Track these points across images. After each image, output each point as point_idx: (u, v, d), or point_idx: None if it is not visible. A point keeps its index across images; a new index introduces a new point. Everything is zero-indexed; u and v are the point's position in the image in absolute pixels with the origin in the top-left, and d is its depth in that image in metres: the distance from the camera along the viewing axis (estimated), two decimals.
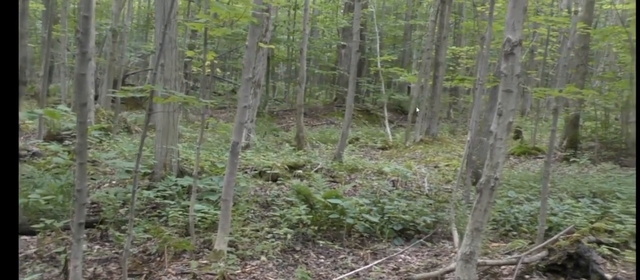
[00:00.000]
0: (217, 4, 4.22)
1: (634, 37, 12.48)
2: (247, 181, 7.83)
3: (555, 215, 6.86)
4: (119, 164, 6.94)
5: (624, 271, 5.47)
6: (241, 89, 5.15)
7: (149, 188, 6.88)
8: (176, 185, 6.87)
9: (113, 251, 5.58)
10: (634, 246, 6.09)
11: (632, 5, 15.92)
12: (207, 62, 6.83)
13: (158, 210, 6.51)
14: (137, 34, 23.90)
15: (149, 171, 7.27)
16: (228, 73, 24.53)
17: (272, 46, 11.52)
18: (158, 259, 5.34)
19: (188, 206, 5.96)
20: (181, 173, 7.37)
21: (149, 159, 7.59)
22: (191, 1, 12.98)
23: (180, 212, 6.15)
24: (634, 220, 6.71)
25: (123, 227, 5.80)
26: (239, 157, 8.85)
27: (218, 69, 21.74)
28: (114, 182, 7.82)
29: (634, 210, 7.11)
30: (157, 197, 6.62)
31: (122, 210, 6.47)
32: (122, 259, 4.47)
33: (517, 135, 15.66)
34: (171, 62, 7.14)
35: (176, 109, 7.30)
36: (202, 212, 6.19)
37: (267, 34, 11.16)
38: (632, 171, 10.78)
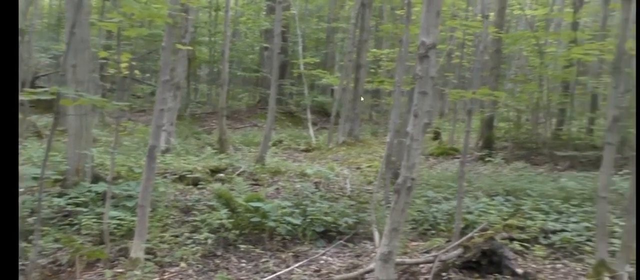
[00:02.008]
0: (130, 3, 4.07)
1: (541, 41, 13.16)
2: (166, 186, 7.62)
3: (471, 213, 7.10)
4: (26, 171, 6.56)
5: (533, 266, 5.73)
6: (158, 91, 5.00)
7: (60, 195, 6.54)
8: (90, 191, 6.58)
9: (20, 263, 5.27)
10: (543, 241, 6.40)
11: (540, 12, 16.82)
12: (124, 64, 6.60)
13: (70, 219, 6.20)
14: (49, 34, 22.77)
15: (61, 177, 6.92)
16: (148, 75, 23.84)
17: (191, 48, 11.27)
18: (69, 269, 5.09)
19: (103, 213, 5.72)
20: (96, 179, 7.06)
21: (61, 165, 7.22)
22: (106, 0, 12.51)
23: (94, 220, 5.90)
24: (544, 216, 7.05)
25: (30, 237, 5.49)
26: (157, 161, 8.62)
27: (136, 71, 21.09)
28: (21, 190, 7.39)
29: (543, 206, 7.47)
30: (69, 204, 6.30)
31: (30, 220, 6.11)
32: (27, 271, 4.23)
33: (436, 136, 16.11)
34: (84, 63, 6.82)
35: (88, 112, 6.99)
36: (118, 219, 5.97)
37: (186, 35, 10.92)
38: (542, 169, 11.35)
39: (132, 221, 5.78)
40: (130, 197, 6.58)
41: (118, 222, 5.93)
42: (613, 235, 6.14)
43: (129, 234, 5.76)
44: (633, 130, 5.58)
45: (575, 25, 13.63)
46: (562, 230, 6.57)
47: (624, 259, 5.16)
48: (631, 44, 5.81)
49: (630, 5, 5.36)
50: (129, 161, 8.65)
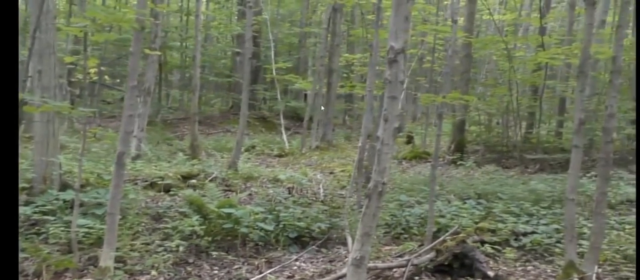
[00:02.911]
0: (95, 7, 4.01)
1: (510, 46, 13.35)
2: (136, 193, 7.49)
3: (443, 216, 7.15)
4: None
5: (505, 268, 5.79)
6: (126, 97, 4.93)
7: (26, 204, 6.38)
8: (58, 199, 6.44)
9: None
10: (514, 244, 6.47)
11: (509, 17, 17.08)
12: (93, 69, 6.49)
13: (37, 228, 6.05)
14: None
15: (27, 185, 6.76)
16: (118, 80, 23.51)
17: (159, 53, 11.14)
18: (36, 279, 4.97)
19: (71, 221, 5.60)
20: (64, 186, 6.92)
21: (27, 173, 7.06)
22: (73, 5, 12.31)
23: (62, 228, 5.77)
24: (514, 218, 7.14)
25: None
26: (128, 167, 8.49)
27: (106, 76, 20.79)
28: None
29: (514, 209, 7.57)
30: (35, 213, 6.15)
31: None
32: None
33: (409, 140, 16.22)
34: (50, 69, 6.68)
35: (55, 118, 6.84)
36: (87, 227, 5.84)
37: (156, 40, 10.80)
38: (513, 172, 11.50)
39: (102, 229, 5.67)
40: (99, 205, 6.46)
41: (87, 230, 5.82)
42: (582, 236, 6.25)
43: (98, 242, 5.65)
44: (600, 133, 5.69)
45: (542, 30, 13.86)
46: (533, 233, 6.66)
47: (592, 260, 5.24)
48: (595, 48, 5.93)
49: (593, 11, 5.47)
50: (98, 168, 8.50)
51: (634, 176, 10.34)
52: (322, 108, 15.87)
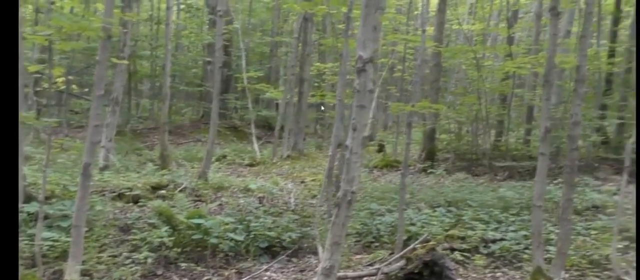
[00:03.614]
0: (61, 16, 3.93)
1: (479, 55, 13.54)
2: (104, 204, 7.35)
3: (413, 225, 7.19)
4: None
5: (474, 275, 5.84)
6: (93, 107, 4.85)
7: None
8: (21, 212, 6.28)
9: None
10: (483, 251, 6.54)
11: (477, 27, 17.34)
12: (60, 78, 6.37)
13: None
14: None
15: None
16: (86, 90, 23.12)
17: (126, 62, 10.98)
18: None
19: (35, 234, 5.47)
20: (28, 198, 6.75)
21: None
22: (40, 13, 12.09)
23: (26, 242, 5.62)
24: (484, 226, 7.22)
25: None
26: (95, 178, 8.35)
27: (74, 86, 20.44)
28: None
29: (483, 216, 7.66)
30: None
31: None
32: None
33: (380, 148, 16.29)
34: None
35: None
36: (52, 240, 5.71)
37: (125, 49, 10.66)
38: (482, 180, 11.63)
39: (67, 242, 5.54)
40: (65, 217, 6.32)
41: (51, 243, 5.68)
42: (549, 242, 6.34)
43: (64, 255, 5.52)
44: (566, 141, 5.79)
45: (510, 40, 14.11)
46: (502, 239, 6.74)
47: (559, 266, 5.32)
48: (561, 57, 6.04)
49: (557, 22, 5.58)
50: (64, 179, 8.33)
51: (599, 183, 10.57)
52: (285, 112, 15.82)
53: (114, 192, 8.42)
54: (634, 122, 7.82)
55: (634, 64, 13.60)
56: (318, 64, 21.23)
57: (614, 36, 14.87)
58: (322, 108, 16.00)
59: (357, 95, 3.81)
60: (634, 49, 13.76)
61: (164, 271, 5.79)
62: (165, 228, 6.37)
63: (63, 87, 17.30)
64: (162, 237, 6.12)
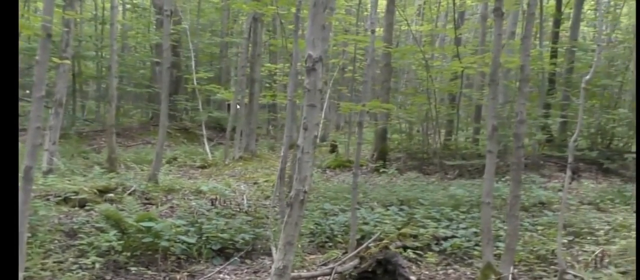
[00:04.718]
0: None
1: (428, 56, 13.76)
2: (48, 209, 7.11)
3: (366, 224, 7.22)
4: None
5: (426, 272, 5.92)
6: (33, 108, 4.66)
7: None
8: None
9: None
10: (435, 248, 6.63)
11: (425, 28, 17.62)
12: None
13: None
14: None
15: None
16: (28, 92, 22.32)
17: (69, 62, 10.63)
18: None
19: None
20: None
21: None
22: None
23: None
24: (435, 223, 7.33)
25: None
26: (39, 183, 8.05)
27: None
28: None
29: (435, 214, 7.77)
30: None
31: None
32: None
33: (333, 149, 16.35)
34: None
35: None
36: None
37: (67, 49, 10.33)
38: (433, 178, 11.83)
39: None
40: None
41: None
42: (498, 239, 6.49)
43: None
44: (512, 138, 5.93)
45: (458, 41, 14.39)
46: (453, 237, 6.86)
47: (508, 261, 5.44)
48: (505, 58, 6.19)
49: (501, 22, 5.72)
50: None
51: (545, 180, 10.90)
52: (238, 107, 15.69)
53: (59, 196, 8.14)
54: (576, 121, 8.10)
55: (574, 65, 14.12)
56: (269, 64, 21.15)
57: (555, 37, 15.38)
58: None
59: (307, 94, 3.80)
60: (575, 49, 14.30)
61: (113, 276, 5.63)
62: (114, 232, 6.20)
63: None
64: (110, 242, 5.95)
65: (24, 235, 4.85)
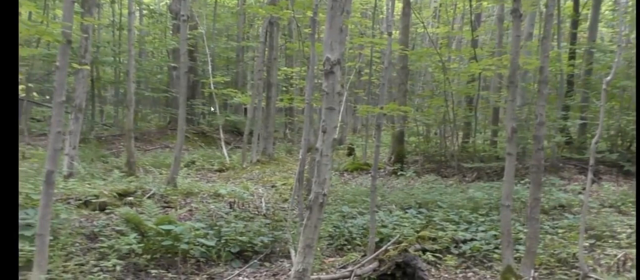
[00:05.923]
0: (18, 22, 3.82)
1: (444, 58, 13.69)
2: (69, 212, 7.18)
3: (385, 226, 7.21)
4: None
5: (446, 275, 5.88)
6: (54, 113, 4.73)
7: None
8: None
9: None
10: (454, 251, 6.59)
11: (442, 30, 17.54)
12: (21, 85, 6.19)
13: None
14: None
15: None
16: (48, 97, 22.62)
17: (87, 67, 10.72)
18: None
19: None
20: None
21: None
22: None
23: None
24: (454, 226, 7.28)
25: None
26: (60, 186, 8.14)
27: (35, 93, 19.95)
28: None
29: (453, 217, 7.73)
30: None
31: None
32: None
33: (350, 152, 16.34)
34: None
35: None
36: None
37: (86, 55, 10.44)
38: (451, 181, 11.75)
39: (31, 251, 5.39)
40: (28, 226, 6.13)
41: None
42: (518, 242, 6.43)
43: (28, 265, 5.36)
44: (531, 141, 5.88)
45: (474, 43, 14.30)
46: (472, 239, 6.81)
47: (528, 264, 5.40)
48: (524, 59, 6.14)
49: (519, 24, 5.68)
50: (26, 188, 8.09)
51: (565, 182, 10.78)
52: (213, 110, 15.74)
53: (80, 199, 8.23)
54: (596, 123, 8.00)
55: (593, 66, 13.96)
56: (285, 68, 21.19)
57: (573, 38, 15.22)
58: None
59: (325, 97, 3.80)
60: (593, 51, 14.14)
61: (133, 278, 5.68)
62: (134, 235, 6.25)
63: (23, 94, 16.89)
64: (130, 244, 6.00)
65: (46, 238, 4.92)
